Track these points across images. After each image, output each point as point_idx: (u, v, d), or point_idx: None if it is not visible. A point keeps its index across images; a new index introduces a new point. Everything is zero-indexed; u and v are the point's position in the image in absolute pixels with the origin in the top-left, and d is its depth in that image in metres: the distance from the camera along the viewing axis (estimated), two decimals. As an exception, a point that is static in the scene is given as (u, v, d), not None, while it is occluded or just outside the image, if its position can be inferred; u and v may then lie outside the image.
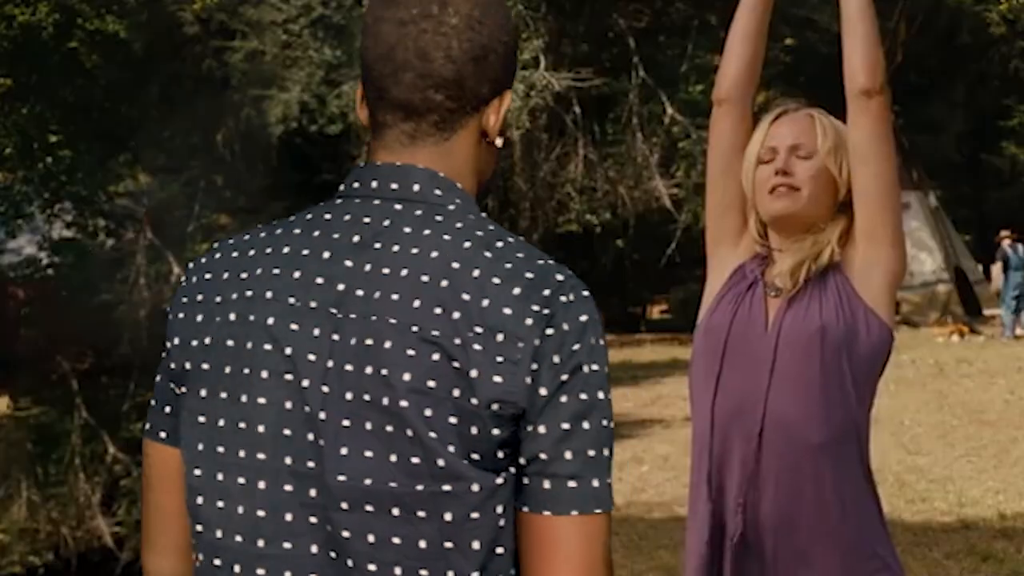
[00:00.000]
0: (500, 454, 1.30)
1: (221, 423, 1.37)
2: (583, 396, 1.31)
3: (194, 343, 1.41)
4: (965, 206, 31.20)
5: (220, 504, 1.37)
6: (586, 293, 1.36)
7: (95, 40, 13.01)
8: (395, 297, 1.31)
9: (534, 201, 22.17)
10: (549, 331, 1.30)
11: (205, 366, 1.39)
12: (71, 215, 13.11)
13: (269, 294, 1.37)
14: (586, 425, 1.31)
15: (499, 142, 1.48)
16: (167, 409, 1.47)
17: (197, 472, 1.39)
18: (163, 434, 1.47)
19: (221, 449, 1.37)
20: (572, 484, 1.30)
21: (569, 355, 1.31)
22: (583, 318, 1.33)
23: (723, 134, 2.50)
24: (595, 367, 1.33)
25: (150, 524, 1.53)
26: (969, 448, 10.28)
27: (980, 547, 6.98)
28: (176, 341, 1.43)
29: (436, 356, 1.28)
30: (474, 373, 1.27)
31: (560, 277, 1.34)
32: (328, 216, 1.41)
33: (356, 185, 1.43)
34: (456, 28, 1.40)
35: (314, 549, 1.33)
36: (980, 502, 8.19)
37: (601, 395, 1.33)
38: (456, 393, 1.28)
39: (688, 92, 20.76)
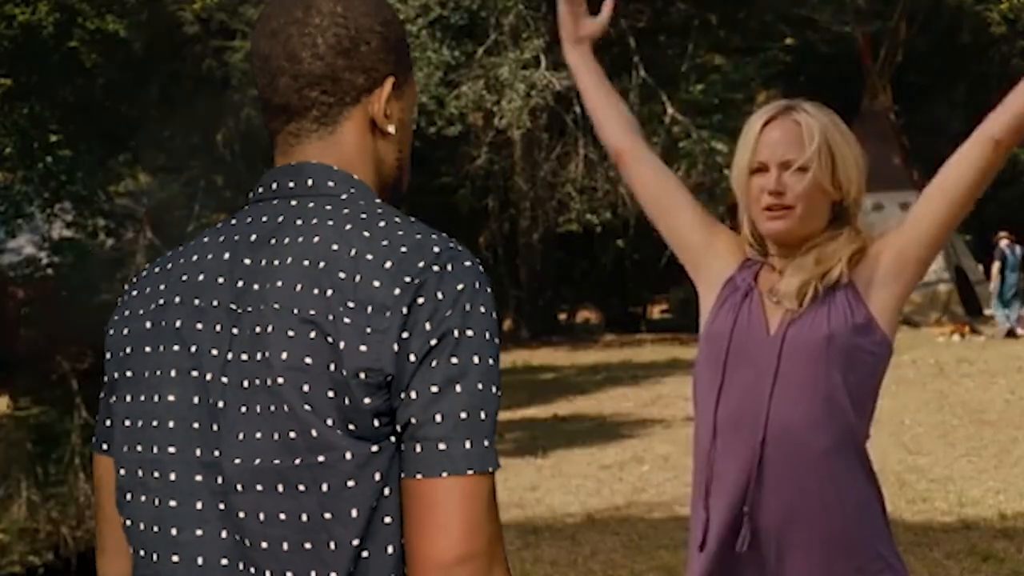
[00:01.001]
0: (376, 423, 1.32)
1: (140, 423, 1.45)
2: (454, 360, 1.32)
3: (120, 354, 1.50)
4: (965, 206, 31.16)
5: (142, 499, 1.45)
6: (468, 263, 1.38)
7: (95, 39, 13.01)
8: (279, 284, 1.37)
9: (535, 201, 22.18)
10: (420, 299, 1.32)
11: (129, 374, 1.48)
12: (71, 215, 13.11)
13: (177, 299, 1.45)
14: (458, 388, 1.32)
15: (391, 129, 1.50)
16: (107, 422, 1.55)
17: (122, 472, 1.47)
18: (104, 445, 1.55)
19: (139, 448, 1.45)
20: (442, 446, 1.31)
21: (440, 321, 1.32)
22: (459, 286, 1.35)
23: (641, 182, 2.52)
24: (470, 332, 1.34)
25: (100, 530, 1.60)
26: (970, 448, 10.28)
27: (981, 547, 6.97)
28: (108, 356, 1.53)
29: (313, 334, 1.33)
30: (342, 344, 1.31)
31: (437, 249, 1.37)
32: (234, 222, 1.49)
33: (260, 190, 1.50)
34: (319, 26, 1.45)
35: (223, 534, 1.39)
36: (981, 502, 8.18)
37: (476, 360, 1.34)
38: (332, 367, 1.32)
39: (688, 92, 20.78)
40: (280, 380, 1.34)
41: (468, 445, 1.32)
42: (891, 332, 2.37)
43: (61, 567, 10.50)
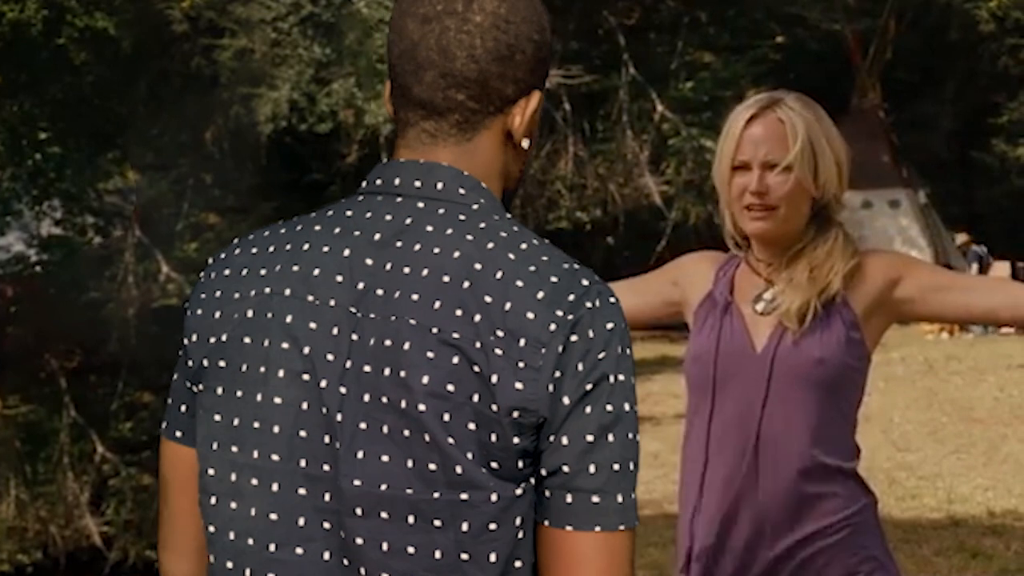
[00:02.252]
0: (520, 464, 1.26)
1: (236, 422, 1.34)
2: (608, 408, 1.26)
3: (211, 340, 1.38)
4: (955, 204, 31.23)
5: (233, 505, 1.34)
6: (613, 300, 1.32)
7: (84, 37, 12.97)
8: (415, 297, 1.28)
9: (524, 198, 22.15)
10: (573, 338, 1.26)
11: (222, 363, 1.36)
12: (60, 212, 13.08)
13: (288, 291, 1.34)
14: (611, 438, 1.26)
15: (525, 144, 1.43)
16: (183, 408, 1.44)
17: (211, 472, 1.36)
18: (179, 433, 1.44)
19: (235, 449, 1.34)
20: (596, 499, 1.26)
21: (594, 364, 1.26)
22: (609, 325, 1.29)
23: (638, 323, 2.47)
24: (621, 377, 1.28)
25: (166, 524, 1.49)
26: (958, 445, 10.30)
27: (969, 544, 6.99)
28: (193, 338, 1.40)
29: (456, 359, 1.25)
30: (494, 378, 1.24)
31: (586, 282, 1.31)
32: (349, 213, 1.38)
33: (379, 182, 1.40)
34: (480, 26, 1.35)
35: (327, 555, 1.30)
36: (969, 499, 8.20)
37: (627, 407, 1.28)
38: (476, 398, 1.24)
39: (678, 89, 20.75)
40: (421, 407, 1.25)
41: (620, 499, 1.27)
42: (874, 345, 2.37)
43: (50, 566, 10.47)
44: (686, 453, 2.39)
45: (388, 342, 1.27)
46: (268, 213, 10.09)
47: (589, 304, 1.28)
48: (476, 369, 1.24)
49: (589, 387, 1.25)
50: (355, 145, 16.78)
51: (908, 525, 7.45)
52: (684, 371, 2.40)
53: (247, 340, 1.34)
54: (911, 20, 25.96)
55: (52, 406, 11.40)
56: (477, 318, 1.25)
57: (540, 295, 1.26)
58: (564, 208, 21.16)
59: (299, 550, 1.30)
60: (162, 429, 1.48)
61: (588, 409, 1.25)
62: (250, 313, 1.35)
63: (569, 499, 1.25)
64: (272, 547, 1.31)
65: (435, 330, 1.25)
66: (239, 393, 1.34)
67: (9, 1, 12.41)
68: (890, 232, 26.03)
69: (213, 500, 1.36)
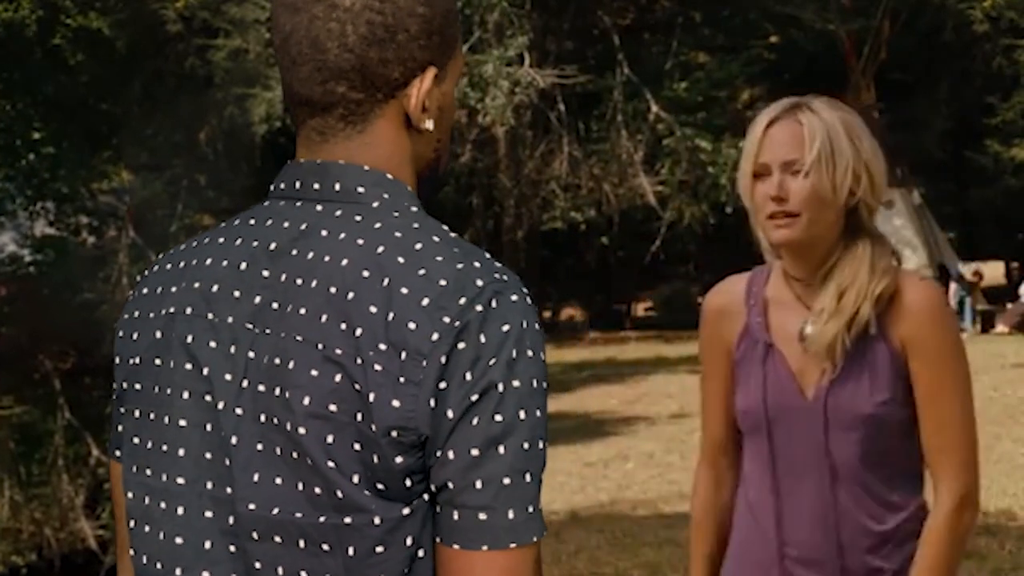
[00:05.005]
0: (408, 482, 1.18)
1: (149, 445, 1.30)
2: (497, 418, 1.16)
3: (130, 362, 1.34)
4: (949, 203, 31.30)
5: (147, 529, 1.31)
6: (515, 298, 1.20)
7: (78, 37, 12.97)
8: (303, 311, 1.20)
9: (519, 198, 22.16)
10: (460, 345, 1.16)
11: (137, 386, 1.32)
12: (53, 213, 13.07)
13: (189, 310, 1.28)
14: (501, 450, 1.16)
15: (429, 125, 1.31)
16: (119, 427, 1.40)
17: (129, 495, 1.33)
18: (118, 452, 1.41)
19: (148, 472, 1.30)
20: (483, 516, 1.17)
21: (483, 372, 1.16)
22: (505, 328, 1.18)
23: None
24: (516, 383, 1.17)
25: (118, 540, 1.47)
26: (953, 445, 10.31)
27: (964, 543, 6.99)
28: (117, 360, 1.37)
29: (338, 377, 1.16)
30: (372, 396, 1.15)
31: (480, 282, 1.19)
32: (252, 221, 1.31)
33: (282, 186, 1.31)
34: (350, 11, 1.24)
35: None
36: (964, 499, 8.21)
37: (523, 415, 1.17)
38: (359, 418, 1.16)
39: (672, 89, 20.78)
40: (302, 430, 1.17)
41: (511, 515, 1.18)
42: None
43: (44, 567, 10.45)
44: (749, 496, 2.31)
45: (277, 360, 1.20)
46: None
47: (480, 307, 1.18)
48: (357, 387, 1.16)
49: (475, 398, 1.16)
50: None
51: (903, 525, 7.46)
52: (737, 419, 2.30)
53: (157, 362, 1.30)
54: (905, 20, 25.97)
55: (47, 407, 11.38)
56: (359, 331, 1.17)
57: (425, 302, 1.17)
58: (559, 208, 21.16)
59: (205, 573, 1.25)
60: (108, 447, 1.46)
61: (474, 421, 1.16)
62: (158, 334, 1.30)
63: (456, 516, 1.18)
64: (179, 571, 1.27)
65: (320, 346, 1.18)
66: (151, 416, 1.30)
67: (3, 1, 12.39)
68: (884, 232, 25.99)
69: (132, 524, 1.33)
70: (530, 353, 1.19)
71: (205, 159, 13.79)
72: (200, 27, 14.30)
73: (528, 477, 1.19)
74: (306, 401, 1.17)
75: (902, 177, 26.61)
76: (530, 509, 1.19)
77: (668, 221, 20.23)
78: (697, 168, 19.84)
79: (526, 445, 1.18)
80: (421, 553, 1.20)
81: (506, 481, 1.17)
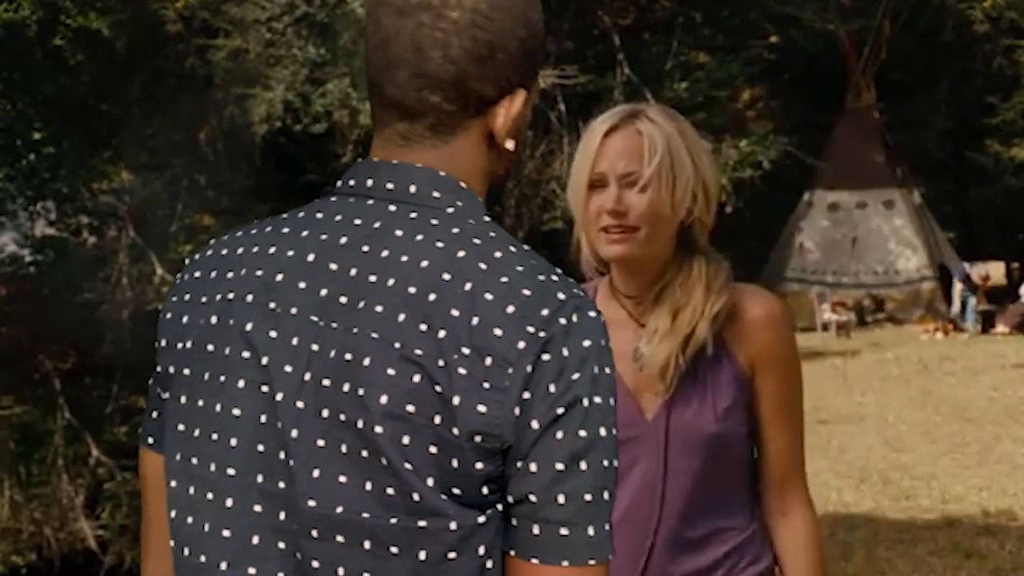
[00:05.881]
0: (484, 490, 1.18)
1: (196, 433, 1.28)
2: (582, 433, 1.17)
3: (178, 346, 1.32)
4: (949, 204, 31.27)
5: (190, 520, 1.29)
6: (593, 314, 1.21)
7: (78, 37, 12.96)
8: (379, 309, 1.19)
9: (519, 198, 22.15)
10: (545, 357, 1.16)
11: (186, 371, 1.30)
12: (53, 213, 13.07)
13: (250, 297, 1.27)
14: (583, 466, 1.17)
15: (510, 145, 1.33)
16: (154, 414, 1.40)
17: (172, 483, 1.31)
18: (151, 439, 1.40)
19: (194, 461, 1.28)
20: (564, 532, 1.17)
21: (568, 386, 1.16)
22: (586, 343, 1.18)
23: None
24: (598, 399, 1.18)
25: (144, 531, 1.45)
26: (953, 445, 10.31)
27: (964, 544, 6.99)
28: (163, 343, 1.35)
29: (417, 378, 1.16)
30: (456, 400, 1.15)
31: (562, 296, 1.20)
32: (319, 215, 1.30)
33: (351, 183, 1.32)
34: (457, 23, 1.25)
35: None
36: (964, 499, 8.21)
37: (603, 432, 1.18)
38: (437, 420, 1.15)
39: (673, 89, 20.74)
40: (378, 428, 1.16)
41: (591, 532, 1.18)
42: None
43: (44, 568, 10.45)
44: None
45: (348, 356, 1.19)
46: (263, 214, 10.02)
47: (564, 320, 1.18)
48: (438, 389, 1.15)
49: (560, 411, 1.16)
50: (350, 146, 16.75)
51: (903, 525, 7.45)
52: None
53: (210, 347, 1.28)
54: (905, 20, 25.97)
55: (46, 407, 11.37)
56: (441, 334, 1.16)
57: (510, 309, 1.17)
58: (559, 208, 21.16)
59: (251, 569, 1.24)
60: (139, 434, 1.44)
61: (559, 435, 1.16)
62: (214, 319, 1.29)
63: (536, 530, 1.18)
64: (223, 565, 1.25)
65: (398, 345, 1.17)
66: (200, 403, 1.28)
67: (3, 1, 12.39)
68: (884, 232, 26.04)
69: (173, 513, 1.31)
70: (607, 370, 1.20)
71: (205, 159, 13.78)
72: (200, 27, 14.30)
73: (606, 495, 1.19)
74: (383, 400, 1.16)
75: (902, 177, 26.61)
76: (606, 527, 1.20)
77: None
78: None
79: (605, 463, 1.19)
80: (490, 564, 1.19)
81: (587, 497, 1.17)
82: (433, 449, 1.16)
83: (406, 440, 1.16)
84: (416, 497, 1.16)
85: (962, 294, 23.21)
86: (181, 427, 1.30)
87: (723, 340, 2.08)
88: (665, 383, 2.05)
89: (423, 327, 1.17)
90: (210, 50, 15.29)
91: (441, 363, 1.16)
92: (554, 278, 1.23)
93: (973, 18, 24.11)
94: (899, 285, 25.50)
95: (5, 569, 10.31)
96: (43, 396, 11.45)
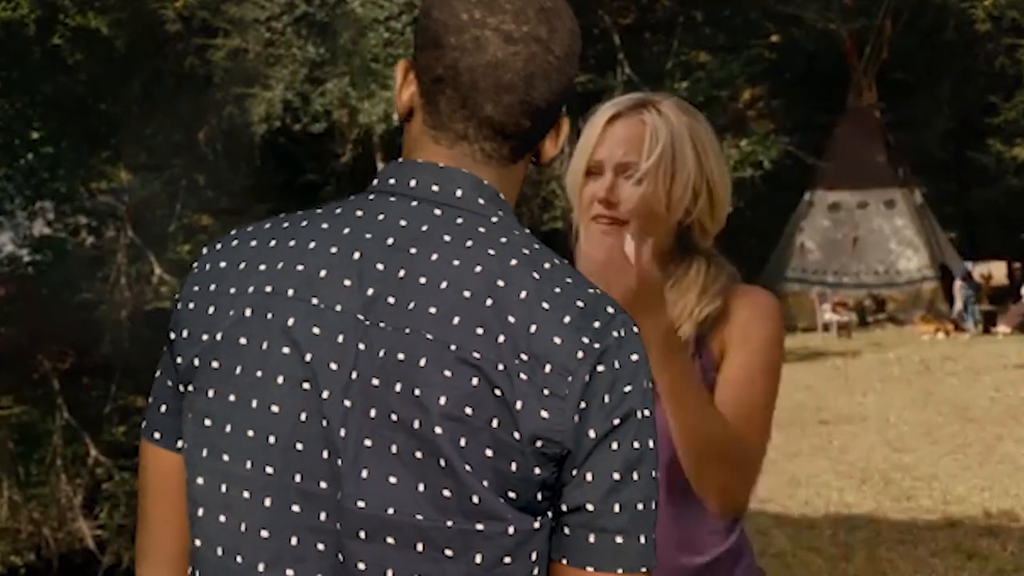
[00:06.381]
0: (539, 496, 1.18)
1: (228, 429, 1.25)
2: (635, 444, 1.20)
3: (204, 337, 1.27)
4: (950, 203, 31.26)
5: (222, 519, 1.25)
6: (636, 330, 1.25)
7: (77, 37, 12.95)
8: (432, 310, 1.19)
9: (519, 198, 22.14)
10: (600, 368, 1.18)
11: (215, 364, 1.26)
12: (52, 213, 13.06)
13: (291, 292, 1.24)
14: (636, 476, 1.20)
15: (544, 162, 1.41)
16: (163, 408, 1.34)
17: (199, 481, 1.27)
18: (157, 435, 1.34)
19: (226, 458, 1.25)
20: (619, 540, 1.19)
21: (621, 398, 1.19)
22: (635, 357, 1.22)
23: None
24: (647, 413, 1.21)
25: (142, 532, 1.39)
26: (954, 446, 10.29)
27: (965, 545, 6.96)
28: (184, 333, 1.30)
29: (476, 381, 1.16)
30: (519, 404, 1.16)
31: (611, 309, 1.23)
32: (360, 213, 1.28)
33: (392, 182, 1.31)
34: (559, 59, 1.30)
35: None
36: (965, 500, 8.19)
37: (651, 443, 1.22)
38: (495, 424, 1.16)
39: (674, 89, 20.74)
40: (438, 429, 1.16)
41: (642, 540, 1.21)
42: None
43: (43, 568, 10.43)
44: None
45: (401, 355, 1.18)
46: (262, 214, 10.03)
47: (616, 333, 1.21)
48: (497, 393, 1.16)
49: (617, 422, 1.19)
50: (349, 145, 16.74)
51: (904, 526, 7.43)
52: None
53: (243, 341, 1.25)
54: (907, 20, 25.96)
55: (45, 407, 11.35)
56: (500, 339, 1.17)
57: (567, 319, 1.19)
58: (559, 208, 21.16)
59: (290, 571, 1.22)
60: (142, 429, 1.37)
61: (615, 445, 1.19)
62: (248, 312, 1.25)
63: (592, 539, 1.19)
64: (261, 566, 1.23)
65: (454, 347, 1.17)
66: (232, 397, 1.25)
67: (2, 0, 12.37)
68: (886, 232, 26.04)
69: (201, 511, 1.27)
70: (651, 385, 1.24)
71: (204, 159, 13.78)
72: (199, 27, 14.29)
73: (654, 504, 1.22)
74: (442, 400, 1.16)
75: (904, 177, 26.59)
76: (653, 536, 1.23)
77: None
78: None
79: (654, 473, 1.22)
80: (536, 571, 1.20)
81: (640, 507, 1.20)
82: (489, 452, 1.16)
83: (463, 442, 1.16)
84: (475, 500, 1.16)
85: (963, 291, 23.18)
86: (208, 422, 1.26)
87: (707, 341, 1.98)
88: None
89: (480, 331, 1.18)
90: (209, 49, 15.27)
91: (501, 367, 1.17)
92: (599, 292, 1.26)
93: (975, 17, 24.10)
94: (900, 285, 25.48)
95: (4, 569, 10.29)
96: (42, 396, 11.43)
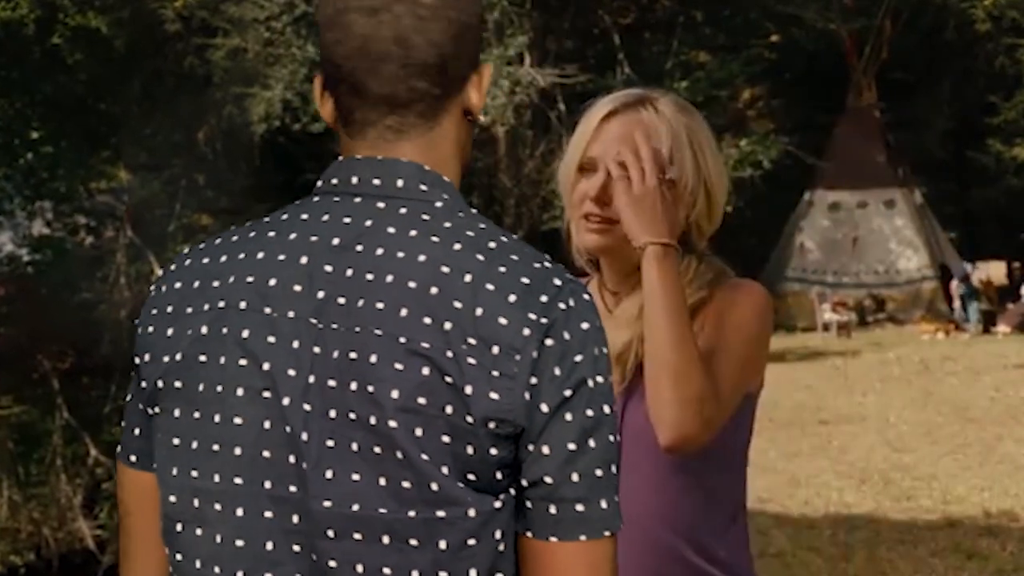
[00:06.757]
0: (499, 475, 1.20)
1: (195, 445, 1.27)
2: (589, 412, 1.21)
3: (166, 359, 1.30)
4: (950, 203, 31.26)
5: (198, 532, 1.28)
6: (587, 297, 1.25)
7: (77, 36, 12.96)
8: (380, 306, 1.21)
9: (519, 198, 22.14)
10: (548, 342, 1.20)
11: (178, 384, 1.28)
12: (51, 212, 13.07)
13: (243, 304, 1.26)
14: (592, 443, 1.21)
15: (483, 118, 1.39)
16: (136, 431, 1.37)
17: (172, 499, 1.29)
18: (133, 457, 1.37)
19: (195, 473, 1.27)
20: (580, 508, 1.21)
21: (572, 368, 1.20)
22: (584, 326, 1.23)
23: None
24: (600, 379, 1.22)
25: (125, 550, 1.42)
26: (954, 446, 10.29)
27: (965, 545, 6.96)
28: (146, 357, 1.33)
29: (426, 370, 1.18)
30: (468, 389, 1.17)
31: (558, 281, 1.24)
32: (305, 216, 1.30)
33: (335, 182, 1.32)
34: (431, 8, 1.29)
35: None
36: (965, 500, 8.18)
37: (607, 409, 1.22)
38: (449, 410, 1.18)
39: (673, 89, 20.75)
40: (392, 423, 1.18)
41: (604, 505, 1.22)
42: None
43: (42, 567, 10.44)
44: None
45: (353, 354, 1.20)
46: (262, 214, 10.01)
47: (563, 305, 1.22)
48: (448, 380, 1.18)
49: (568, 393, 1.20)
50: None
51: (904, 526, 7.43)
52: None
53: (202, 358, 1.27)
54: (907, 20, 25.96)
55: (45, 407, 11.36)
56: (447, 326, 1.19)
57: (512, 298, 1.20)
58: (559, 208, 21.13)
59: (268, 575, 1.24)
60: (117, 452, 1.41)
61: (568, 416, 1.20)
62: (204, 329, 1.27)
63: (553, 510, 1.21)
64: (240, 574, 1.25)
65: (403, 340, 1.19)
66: (196, 415, 1.27)
67: (2, 0, 12.38)
68: (885, 232, 26.04)
69: (179, 527, 1.29)
70: (605, 350, 1.25)
71: (204, 159, 13.78)
72: (199, 26, 14.30)
73: (613, 468, 1.23)
74: (395, 394, 1.18)
75: (903, 177, 26.59)
76: (615, 498, 1.24)
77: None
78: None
79: (611, 438, 1.23)
80: (502, 547, 1.22)
81: (598, 473, 1.22)
82: (446, 439, 1.18)
83: (419, 432, 1.18)
84: (434, 487, 1.18)
85: (958, 289, 23.18)
86: (176, 441, 1.29)
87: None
88: (622, 370, 1.91)
89: (427, 320, 1.19)
90: (209, 49, 15.27)
91: (449, 354, 1.18)
92: (547, 264, 1.26)
93: (975, 17, 24.09)
94: (900, 285, 25.48)
95: (4, 569, 10.30)
96: (41, 396, 11.43)
